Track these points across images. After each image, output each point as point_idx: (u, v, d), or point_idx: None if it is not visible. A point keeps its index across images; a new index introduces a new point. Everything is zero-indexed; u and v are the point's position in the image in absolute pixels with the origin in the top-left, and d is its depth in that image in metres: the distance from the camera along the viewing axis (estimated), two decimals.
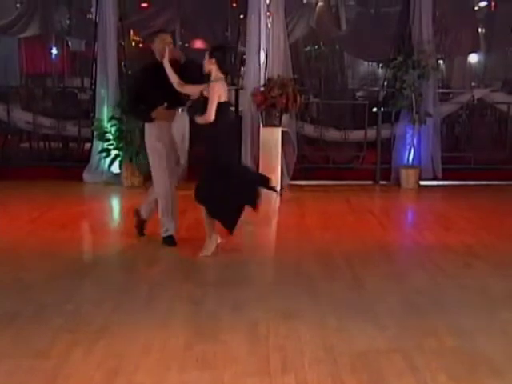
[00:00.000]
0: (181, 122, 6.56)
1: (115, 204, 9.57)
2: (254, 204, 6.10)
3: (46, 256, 6.23)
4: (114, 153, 10.01)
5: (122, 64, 10.25)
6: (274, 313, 4.72)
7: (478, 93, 11.66)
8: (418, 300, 5.07)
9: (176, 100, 6.38)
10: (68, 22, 13.64)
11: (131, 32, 10.53)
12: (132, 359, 3.91)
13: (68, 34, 14.01)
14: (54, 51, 14.74)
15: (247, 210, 6.16)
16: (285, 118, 9.83)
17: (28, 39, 14.03)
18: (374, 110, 10.88)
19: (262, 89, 9.73)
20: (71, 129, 11.15)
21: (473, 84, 14.63)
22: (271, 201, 9.01)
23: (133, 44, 10.37)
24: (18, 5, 13.81)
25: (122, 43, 10.47)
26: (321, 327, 4.45)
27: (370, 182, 10.65)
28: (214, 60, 5.93)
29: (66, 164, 10.84)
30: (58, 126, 11.06)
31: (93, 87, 10.61)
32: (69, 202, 8.93)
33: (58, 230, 7.27)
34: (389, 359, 3.94)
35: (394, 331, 4.40)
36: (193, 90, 6.14)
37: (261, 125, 9.84)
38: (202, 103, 5.95)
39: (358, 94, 14.63)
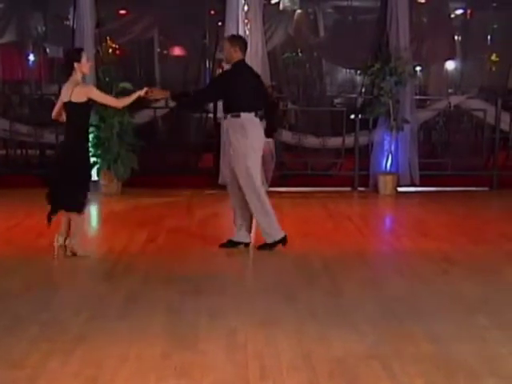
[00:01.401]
0: None
1: (93, 211, 9.50)
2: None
3: (22, 264, 6.19)
4: (91, 160, 9.94)
5: (100, 71, 10.19)
6: (252, 320, 4.71)
7: (455, 99, 11.75)
8: (396, 306, 5.08)
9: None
10: (45, 28, 13.55)
11: (108, 39, 10.46)
12: (109, 368, 3.87)
13: (45, 40, 13.92)
14: (31, 58, 14.64)
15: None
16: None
17: (4, 45, 13.91)
18: (352, 116, 10.94)
19: None
20: (48, 136, 11.07)
21: (449, 91, 14.73)
22: None
23: (110, 51, 10.31)
24: None
25: (99, 50, 10.42)
26: (299, 334, 4.44)
27: (348, 189, 10.69)
28: None
29: (44, 172, 10.75)
30: (35, 133, 10.99)
31: None
32: (46, 209, 8.83)
33: (35, 238, 7.21)
34: (367, 365, 3.95)
35: (372, 338, 4.41)
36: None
37: None
38: None
39: (336, 100, 14.67)
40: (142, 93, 6.42)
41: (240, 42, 6.77)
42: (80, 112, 6.29)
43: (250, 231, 6.74)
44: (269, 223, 6.54)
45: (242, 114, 6.43)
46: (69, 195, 6.27)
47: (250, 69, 6.83)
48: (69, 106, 6.27)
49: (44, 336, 4.38)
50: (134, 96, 6.42)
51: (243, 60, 6.65)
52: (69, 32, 10.63)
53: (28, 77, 14.26)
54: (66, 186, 6.24)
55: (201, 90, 6.59)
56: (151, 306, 5.03)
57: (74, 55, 6.37)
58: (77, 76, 6.29)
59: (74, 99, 6.19)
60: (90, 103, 6.32)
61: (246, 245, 6.74)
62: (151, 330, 4.52)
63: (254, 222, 6.69)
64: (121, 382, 3.73)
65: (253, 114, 6.50)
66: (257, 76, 6.88)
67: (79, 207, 6.32)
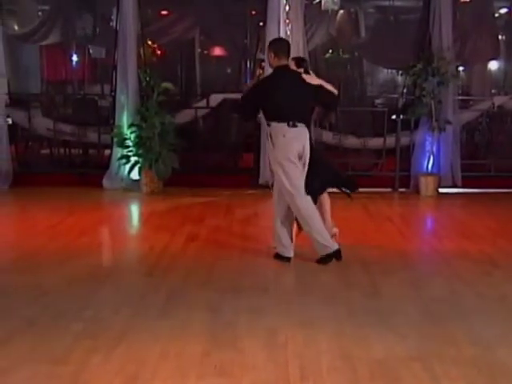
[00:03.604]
0: None
1: (134, 210, 9.62)
2: None
3: (65, 262, 6.27)
4: (133, 159, 10.06)
5: (141, 71, 10.28)
6: (292, 320, 4.71)
7: (498, 100, 11.58)
8: (437, 308, 5.04)
9: None
10: (89, 29, 13.75)
11: (150, 39, 10.56)
12: (150, 366, 3.92)
13: (89, 41, 14.13)
14: (75, 58, 14.88)
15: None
16: None
17: (49, 46, 14.15)
18: (393, 117, 10.85)
19: None
20: (91, 135, 11.22)
21: (493, 91, 14.54)
22: None
23: (151, 51, 10.39)
24: (39, 13, 13.95)
25: (141, 50, 10.52)
26: (339, 335, 4.43)
27: (388, 190, 10.60)
28: (302, 69, 6.50)
29: (86, 170, 10.91)
30: (79, 132, 11.14)
31: (113, 94, 10.68)
32: (88, 208, 8.99)
33: (78, 236, 7.32)
34: (408, 367, 3.92)
35: (413, 339, 4.37)
36: None
37: None
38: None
39: (377, 101, 14.60)
40: None
41: (273, 46, 6.24)
42: None
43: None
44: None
45: (272, 124, 6.10)
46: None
47: (285, 75, 6.17)
48: None
49: (86, 333, 4.45)
50: None
51: (280, 66, 6.14)
52: (113, 33, 10.73)
53: (71, 77, 14.50)
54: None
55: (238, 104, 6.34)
56: (191, 304, 5.06)
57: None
58: None
59: None
60: None
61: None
62: (191, 329, 4.55)
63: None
64: (161, 379, 3.77)
65: (283, 124, 6.00)
66: (298, 81, 6.17)
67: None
